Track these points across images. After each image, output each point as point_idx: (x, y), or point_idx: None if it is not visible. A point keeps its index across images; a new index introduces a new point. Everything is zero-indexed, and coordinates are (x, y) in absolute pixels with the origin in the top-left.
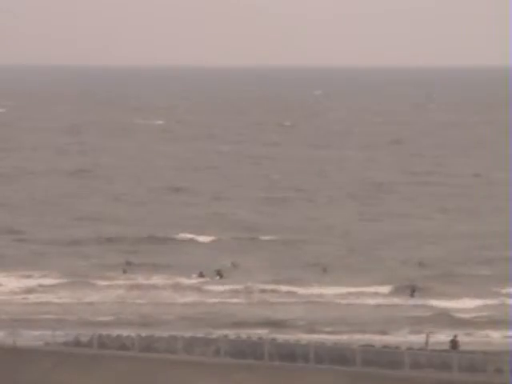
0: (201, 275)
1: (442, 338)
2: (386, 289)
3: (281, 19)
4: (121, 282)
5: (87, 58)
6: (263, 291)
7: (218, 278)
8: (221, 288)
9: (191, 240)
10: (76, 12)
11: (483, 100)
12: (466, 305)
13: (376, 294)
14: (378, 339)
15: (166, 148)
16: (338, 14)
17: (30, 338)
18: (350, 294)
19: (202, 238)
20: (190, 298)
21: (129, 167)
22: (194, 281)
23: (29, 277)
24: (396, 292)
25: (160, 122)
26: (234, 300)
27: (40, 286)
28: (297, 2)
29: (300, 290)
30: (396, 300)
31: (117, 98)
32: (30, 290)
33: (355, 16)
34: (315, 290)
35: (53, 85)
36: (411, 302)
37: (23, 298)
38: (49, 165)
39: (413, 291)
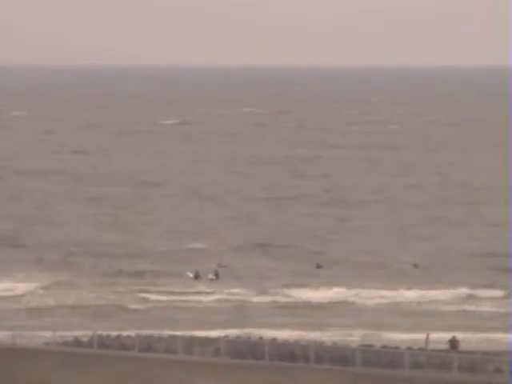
0: (196, 275)
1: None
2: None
3: (281, 19)
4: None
5: (86, 57)
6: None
7: (214, 278)
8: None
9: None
10: (76, 12)
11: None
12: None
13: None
14: (377, 339)
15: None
16: (338, 13)
17: (30, 338)
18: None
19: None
20: None
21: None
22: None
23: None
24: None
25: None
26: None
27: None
28: (296, 2)
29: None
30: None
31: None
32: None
33: (355, 15)
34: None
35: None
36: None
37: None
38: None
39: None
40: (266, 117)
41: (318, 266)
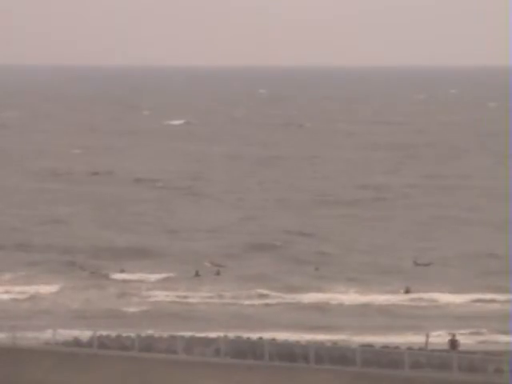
0: (197, 274)
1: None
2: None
3: (281, 19)
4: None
5: (87, 58)
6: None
7: (215, 276)
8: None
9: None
10: (75, 12)
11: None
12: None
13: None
14: (377, 339)
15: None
16: (338, 14)
17: (30, 338)
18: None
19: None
20: None
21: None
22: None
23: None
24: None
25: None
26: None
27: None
28: (296, 2)
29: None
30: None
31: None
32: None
33: (355, 16)
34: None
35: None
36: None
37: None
38: None
39: (407, 291)
40: (268, 116)
41: (317, 268)
